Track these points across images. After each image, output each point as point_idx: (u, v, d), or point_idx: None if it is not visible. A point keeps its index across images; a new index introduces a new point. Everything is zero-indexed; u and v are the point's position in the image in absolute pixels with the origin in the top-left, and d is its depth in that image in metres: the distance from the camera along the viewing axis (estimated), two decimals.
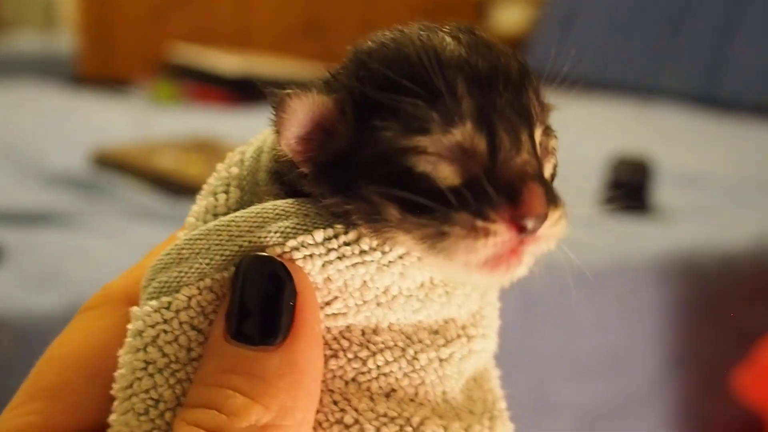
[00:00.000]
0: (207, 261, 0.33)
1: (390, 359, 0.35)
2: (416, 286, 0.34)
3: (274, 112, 0.33)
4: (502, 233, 0.30)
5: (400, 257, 0.33)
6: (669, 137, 2.31)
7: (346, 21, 3.99)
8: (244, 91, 2.55)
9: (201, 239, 0.34)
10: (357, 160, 0.32)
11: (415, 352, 0.35)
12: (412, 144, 0.30)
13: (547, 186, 0.32)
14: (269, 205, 0.34)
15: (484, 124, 0.31)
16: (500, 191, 0.30)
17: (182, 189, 1.34)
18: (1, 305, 0.98)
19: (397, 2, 4.19)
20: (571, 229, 1.23)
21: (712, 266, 1.37)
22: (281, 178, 0.35)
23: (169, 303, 0.33)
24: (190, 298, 0.33)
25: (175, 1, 3.61)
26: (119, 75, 3.23)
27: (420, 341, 0.35)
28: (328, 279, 0.33)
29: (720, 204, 1.63)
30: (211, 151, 1.57)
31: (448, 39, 0.34)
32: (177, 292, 0.33)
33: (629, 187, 1.51)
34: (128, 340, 0.34)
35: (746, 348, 1.33)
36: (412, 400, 0.35)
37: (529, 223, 0.30)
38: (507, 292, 1.16)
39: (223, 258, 0.33)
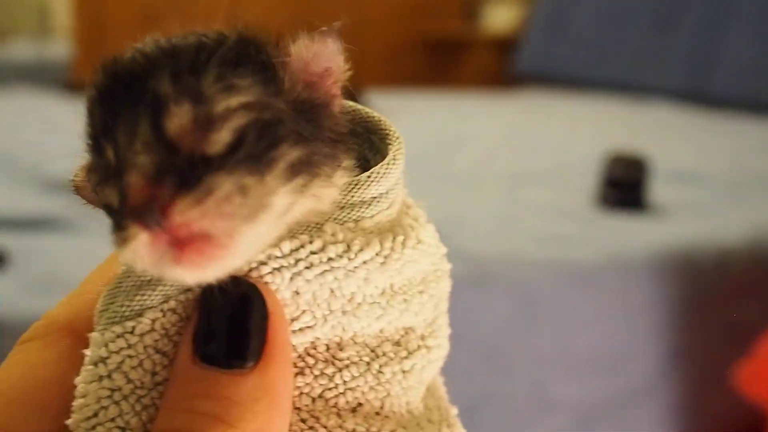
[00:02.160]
0: (171, 283, 0.32)
1: (356, 374, 0.35)
2: (378, 293, 0.35)
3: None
4: (136, 233, 0.29)
5: (364, 262, 0.33)
6: (661, 134, 2.32)
7: (335, 21, 3.99)
8: None
9: None
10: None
11: (380, 366, 0.35)
12: (81, 179, 0.33)
13: (167, 172, 0.29)
14: None
15: (109, 137, 0.31)
16: (121, 198, 0.30)
17: None
18: (4, 309, 0.98)
19: (385, 2, 4.20)
20: (569, 228, 1.23)
21: (709, 262, 1.38)
22: None
23: (134, 327, 0.32)
24: (154, 321, 0.32)
25: (167, 9, 3.61)
26: None
27: (384, 354, 0.35)
28: (296, 293, 0.33)
29: (714, 200, 1.64)
30: None
31: (105, 71, 0.33)
32: (141, 315, 0.32)
33: (625, 184, 1.53)
34: (89, 368, 0.32)
35: (743, 343, 1.33)
36: (377, 413, 0.36)
37: (147, 217, 0.28)
38: (505, 290, 1.17)
39: None
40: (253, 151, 0.30)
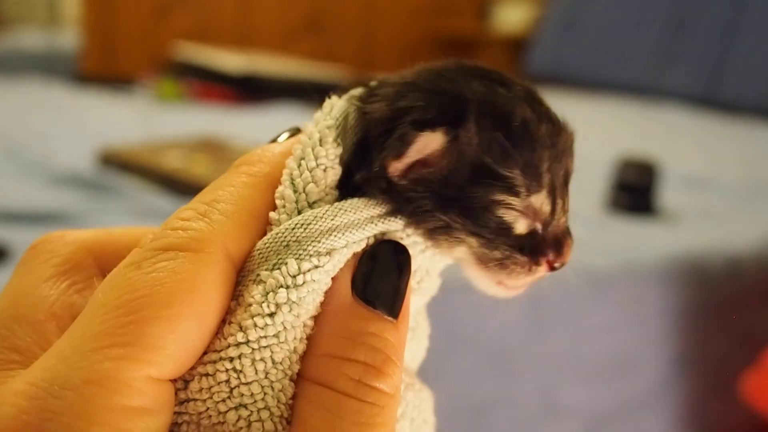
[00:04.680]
0: (351, 233, 0.36)
1: (409, 338, 0.39)
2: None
3: (401, 142, 0.37)
4: (541, 272, 0.40)
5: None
6: (673, 139, 2.31)
7: (348, 19, 4.00)
8: (247, 90, 2.55)
9: (350, 212, 0.37)
10: (448, 192, 0.38)
11: (419, 334, 0.42)
12: (506, 200, 0.38)
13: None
14: None
15: (551, 193, 0.39)
16: (549, 243, 0.40)
17: (188, 188, 1.34)
18: None
19: (398, 1, 4.20)
20: (578, 231, 1.22)
21: (719, 269, 1.37)
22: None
23: (324, 263, 0.35)
24: (336, 262, 0.36)
25: (176, 1, 3.61)
26: (122, 73, 3.24)
27: (419, 324, 0.42)
28: None
29: (726, 206, 1.63)
30: (217, 150, 1.57)
31: (530, 111, 0.39)
32: (329, 255, 0.36)
33: (636, 189, 1.51)
34: (281, 291, 0.35)
35: (753, 352, 1.32)
36: (406, 368, 0.41)
37: (560, 267, 0.41)
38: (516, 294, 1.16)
39: (364, 233, 0.37)
40: None
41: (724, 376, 1.37)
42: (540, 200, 0.39)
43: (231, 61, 2.68)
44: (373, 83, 0.41)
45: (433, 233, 0.39)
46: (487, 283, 0.41)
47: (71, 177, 1.48)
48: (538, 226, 0.40)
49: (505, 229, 0.39)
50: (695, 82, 2.90)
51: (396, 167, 0.38)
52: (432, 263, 0.40)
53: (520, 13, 4.17)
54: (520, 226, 0.39)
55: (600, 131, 2.42)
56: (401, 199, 0.38)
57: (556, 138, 0.40)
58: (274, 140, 0.41)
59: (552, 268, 0.40)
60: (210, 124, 1.92)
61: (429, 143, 0.37)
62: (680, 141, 2.29)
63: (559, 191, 0.40)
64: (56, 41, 3.71)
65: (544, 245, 0.40)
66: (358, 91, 0.41)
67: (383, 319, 0.35)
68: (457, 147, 0.38)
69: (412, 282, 0.39)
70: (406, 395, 0.40)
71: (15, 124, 1.95)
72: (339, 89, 0.41)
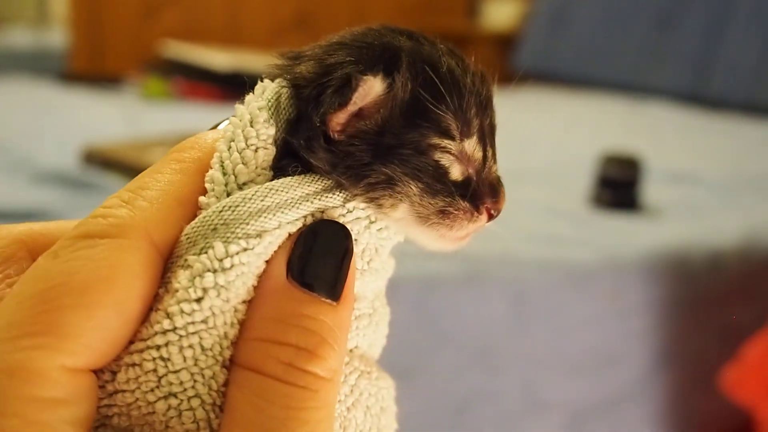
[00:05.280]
0: (284, 213, 0.35)
1: (366, 324, 0.39)
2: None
3: (345, 89, 0.37)
4: (482, 220, 0.40)
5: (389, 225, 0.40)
6: (659, 135, 2.32)
7: (337, 16, 3.99)
8: (235, 87, 2.54)
9: (281, 191, 0.36)
10: (385, 141, 0.38)
11: (376, 320, 0.40)
12: (442, 144, 0.39)
13: None
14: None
15: (481, 140, 0.40)
16: (486, 190, 0.40)
17: None
18: None
19: None
20: (562, 227, 1.23)
21: (701, 264, 1.37)
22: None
23: (254, 246, 0.34)
24: (268, 244, 0.35)
25: None
26: (110, 71, 3.23)
27: (376, 310, 0.40)
28: (355, 240, 0.38)
29: (709, 202, 1.64)
30: None
31: (454, 62, 0.40)
32: (260, 237, 0.34)
33: (619, 185, 1.52)
34: (208, 275, 0.33)
35: (734, 345, 1.33)
36: (362, 355, 0.40)
37: (497, 213, 0.41)
38: (498, 289, 1.16)
39: (298, 212, 0.36)
40: None
41: (705, 369, 1.38)
42: (472, 146, 0.40)
43: (218, 58, 2.67)
44: (297, 51, 0.41)
45: (374, 189, 0.37)
46: (429, 239, 0.41)
47: (55, 175, 1.48)
48: (472, 173, 0.40)
49: (442, 174, 0.39)
50: (682, 78, 2.91)
51: (339, 119, 0.37)
52: (380, 241, 0.39)
53: (508, 10, 4.17)
54: (456, 171, 0.39)
55: (587, 128, 2.43)
56: (340, 156, 0.37)
57: (480, 87, 0.41)
58: (214, 128, 0.40)
59: (490, 217, 0.41)
60: (196, 121, 1.91)
61: (371, 88, 0.37)
62: (666, 137, 2.30)
63: (488, 139, 0.41)
64: (44, 40, 3.70)
65: (481, 192, 0.40)
66: (283, 59, 0.41)
67: (320, 301, 0.34)
68: (393, 93, 0.38)
69: (361, 262, 0.38)
70: (360, 383, 0.39)
71: (1, 122, 1.95)
72: (269, 73, 0.41)
